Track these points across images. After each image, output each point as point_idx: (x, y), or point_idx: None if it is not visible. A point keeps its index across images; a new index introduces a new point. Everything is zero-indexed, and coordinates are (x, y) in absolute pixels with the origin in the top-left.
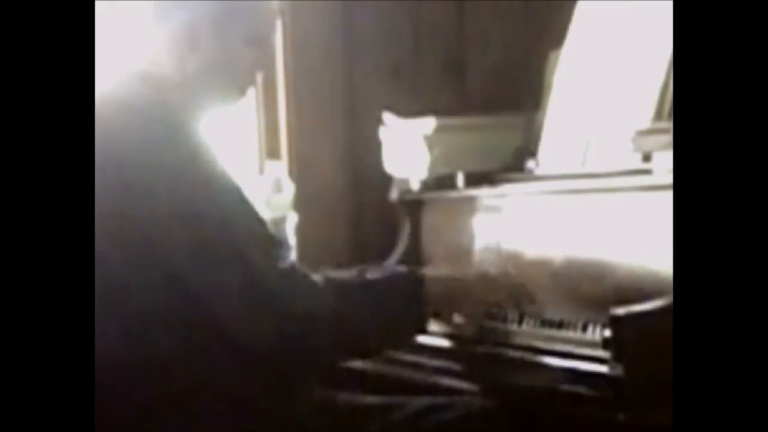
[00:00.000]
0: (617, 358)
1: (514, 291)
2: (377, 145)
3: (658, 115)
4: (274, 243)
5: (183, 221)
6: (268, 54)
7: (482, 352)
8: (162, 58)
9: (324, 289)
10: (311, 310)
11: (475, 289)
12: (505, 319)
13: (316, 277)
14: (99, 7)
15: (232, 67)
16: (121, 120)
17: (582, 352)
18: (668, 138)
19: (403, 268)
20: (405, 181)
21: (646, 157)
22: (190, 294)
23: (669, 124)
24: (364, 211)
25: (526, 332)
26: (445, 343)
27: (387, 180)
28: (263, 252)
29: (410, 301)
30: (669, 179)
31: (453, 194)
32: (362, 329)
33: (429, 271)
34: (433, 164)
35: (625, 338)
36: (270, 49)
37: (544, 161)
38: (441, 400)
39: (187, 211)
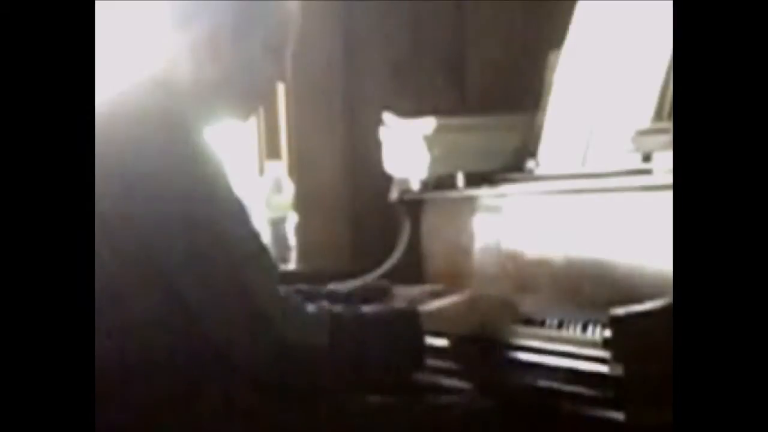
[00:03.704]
0: (617, 358)
1: (503, 309)
2: (377, 145)
3: (658, 115)
4: (272, 268)
5: (181, 233)
6: (285, 62)
7: (482, 352)
8: (181, 65)
9: (318, 322)
10: (303, 339)
11: (461, 317)
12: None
13: (310, 308)
14: (119, 11)
15: (250, 75)
16: (133, 127)
17: (582, 352)
18: (668, 138)
19: (400, 304)
20: (405, 181)
21: (646, 157)
22: (186, 305)
23: (669, 124)
24: (364, 211)
25: (526, 332)
26: (445, 343)
27: (387, 180)
28: (261, 276)
29: (407, 337)
30: (669, 179)
31: (453, 194)
32: (357, 363)
33: (423, 308)
34: (433, 164)
35: (625, 338)
36: (287, 57)
37: (544, 161)
38: (441, 400)
39: (188, 226)
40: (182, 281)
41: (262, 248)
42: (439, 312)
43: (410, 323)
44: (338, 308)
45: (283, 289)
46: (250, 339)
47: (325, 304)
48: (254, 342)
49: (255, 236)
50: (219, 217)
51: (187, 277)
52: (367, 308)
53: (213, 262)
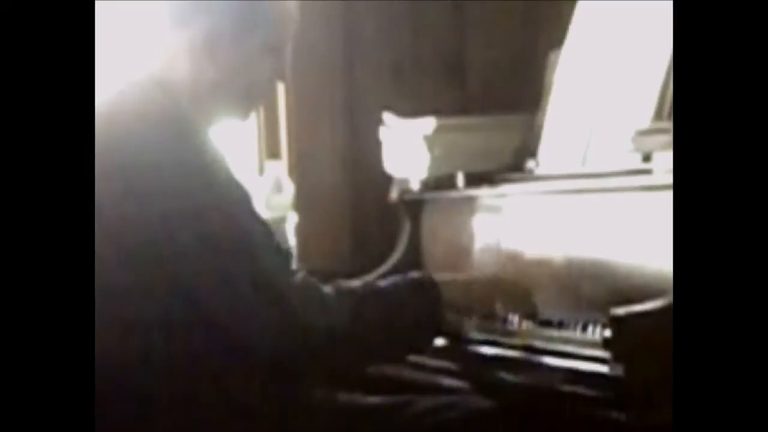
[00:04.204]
0: (617, 358)
1: (516, 295)
2: (377, 145)
3: (658, 115)
4: (284, 255)
5: (191, 229)
6: (284, 62)
7: (482, 352)
8: (180, 65)
9: (337, 302)
10: (325, 323)
11: (479, 291)
12: (504, 319)
13: (327, 289)
14: (118, 11)
15: (249, 75)
16: (133, 125)
17: (582, 352)
18: (668, 138)
19: (416, 273)
20: (405, 181)
21: (646, 157)
22: (196, 299)
23: (669, 124)
24: (364, 211)
25: (526, 332)
26: (445, 343)
27: (387, 180)
28: (274, 264)
29: (426, 306)
30: (669, 179)
31: (453, 194)
32: (379, 339)
33: (437, 276)
34: (433, 164)
35: (625, 338)
36: (286, 57)
37: (544, 161)
38: (441, 400)
39: (196, 218)
40: (193, 277)
41: (272, 236)
42: (458, 283)
43: (428, 292)
44: (355, 285)
45: (300, 274)
46: (272, 327)
47: (341, 282)
48: (277, 329)
49: (263, 224)
50: (226, 209)
51: (198, 273)
52: (383, 282)
53: (226, 254)
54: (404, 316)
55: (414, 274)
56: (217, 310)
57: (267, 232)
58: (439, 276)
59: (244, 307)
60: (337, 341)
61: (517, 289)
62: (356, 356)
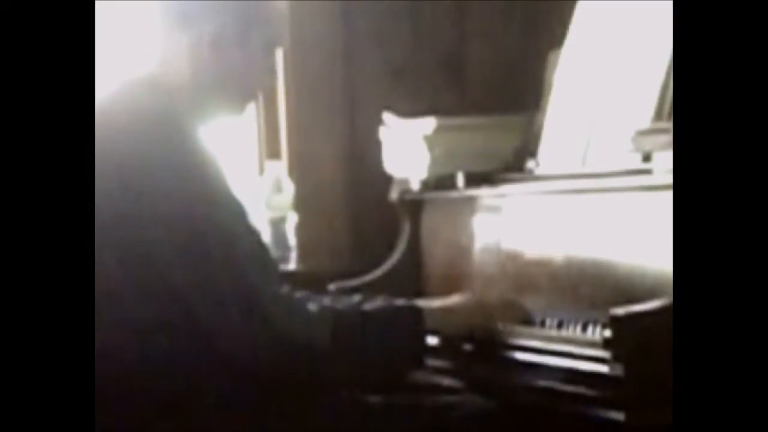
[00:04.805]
0: (617, 358)
1: (507, 310)
2: (377, 145)
3: (658, 115)
4: (273, 267)
5: (180, 233)
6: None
7: (482, 352)
8: (181, 65)
9: (320, 318)
10: (305, 337)
11: (464, 317)
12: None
13: (312, 306)
14: (118, 11)
15: (250, 74)
16: (129, 126)
17: (582, 352)
18: (668, 138)
19: (402, 301)
20: (405, 181)
21: (646, 157)
22: (185, 302)
23: (669, 124)
24: (364, 211)
25: (526, 332)
26: (445, 343)
27: (387, 180)
28: (262, 274)
29: (409, 335)
30: (669, 179)
31: (453, 194)
32: (359, 361)
33: (424, 303)
34: (433, 164)
35: (625, 338)
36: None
37: (544, 161)
38: (442, 400)
39: (188, 224)
40: (183, 281)
41: (263, 246)
42: (442, 310)
43: (412, 320)
44: (340, 305)
45: (285, 288)
46: (253, 338)
47: (327, 301)
48: (257, 341)
49: (255, 234)
50: (218, 217)
51: (188, 277)
52: (369, 305)
53: (214, 261)
54: (383, 344)
55: (399, 302)
56: (203, 315)
57: (258, 242)
58: (423, 303)
59: (227, 317)
60: (315, 358)
61: (502, 307)
62: (333, 376)
